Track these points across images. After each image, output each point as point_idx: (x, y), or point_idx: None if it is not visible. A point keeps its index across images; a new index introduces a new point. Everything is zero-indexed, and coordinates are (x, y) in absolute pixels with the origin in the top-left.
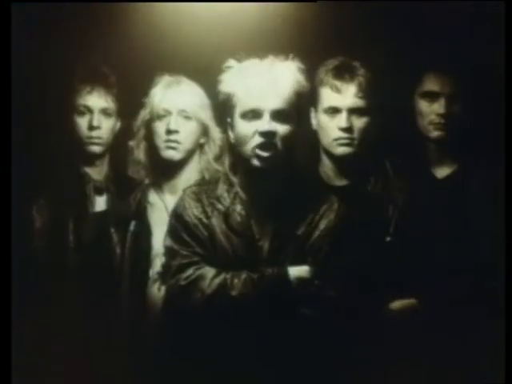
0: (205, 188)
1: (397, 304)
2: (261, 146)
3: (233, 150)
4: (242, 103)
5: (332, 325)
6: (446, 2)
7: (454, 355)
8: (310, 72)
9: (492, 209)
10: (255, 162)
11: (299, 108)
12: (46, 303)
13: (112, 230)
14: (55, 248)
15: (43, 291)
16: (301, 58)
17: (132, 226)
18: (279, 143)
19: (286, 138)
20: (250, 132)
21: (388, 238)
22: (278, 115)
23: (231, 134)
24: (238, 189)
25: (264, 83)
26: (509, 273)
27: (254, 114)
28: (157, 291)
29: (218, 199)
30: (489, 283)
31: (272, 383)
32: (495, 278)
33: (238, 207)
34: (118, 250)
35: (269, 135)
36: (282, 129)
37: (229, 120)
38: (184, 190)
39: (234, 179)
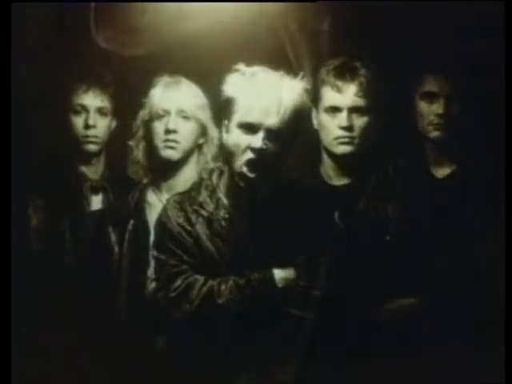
0: (187, 196)
1: (396, 303)
2: (250, 162)
3: (224, 152)
4: (242, 113)
5: (327, 325)
6: (446, 2)
7: (453, 355)
8: (311, 73)
9: (491, 209)
10: (244, 173)
11: (296, 128)
12: (45, 303)
13: (110, 229)
14: (52, 248)
15: (41, 291)
16: (309, 78)
17: (130, 225)
18: (269, 160)
19: (278, 156)
20: (242, 144)
21: (388, 237)
22: (273, 134)
23: (225, 136)
24: (219, 194)
25: (267, 99)
26: (509, 273)
27: (250, 128)
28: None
29: (201, 205)
30: (488, 283)
31: None
32: (495, 277)
33: (222, 212)
34: (116, 249)
35: (260, 152)
36: (274, 147)
37: (226, 122)
38: (167, 200)
39: (215, 185)
